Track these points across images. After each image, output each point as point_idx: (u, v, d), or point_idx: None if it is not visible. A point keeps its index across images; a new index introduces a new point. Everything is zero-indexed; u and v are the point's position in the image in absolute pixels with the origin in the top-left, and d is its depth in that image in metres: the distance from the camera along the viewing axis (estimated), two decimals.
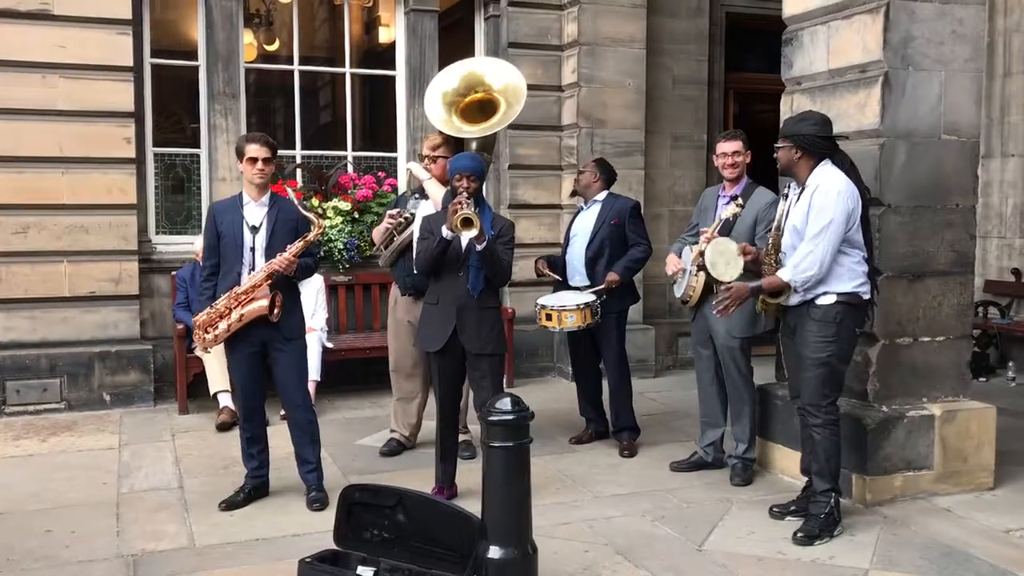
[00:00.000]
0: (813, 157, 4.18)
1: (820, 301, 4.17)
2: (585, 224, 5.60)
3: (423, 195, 5.29)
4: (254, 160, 4.40)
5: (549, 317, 5.21)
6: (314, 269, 4.67)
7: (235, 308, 4.37)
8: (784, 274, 4.15)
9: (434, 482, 4.60)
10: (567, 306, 5.17)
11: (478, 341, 4.48)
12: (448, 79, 5.37)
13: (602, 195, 5.64)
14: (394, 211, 5.38)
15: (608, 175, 5.71)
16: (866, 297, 4.23)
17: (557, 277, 5.68)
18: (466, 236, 4.31)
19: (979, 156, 5.04)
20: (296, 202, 4.56)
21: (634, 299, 5.77)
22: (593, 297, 5.24)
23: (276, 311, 4.35)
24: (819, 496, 4.21)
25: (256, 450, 4.62)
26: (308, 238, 4.44)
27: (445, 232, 4.34)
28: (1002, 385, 7.49)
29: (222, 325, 4.39)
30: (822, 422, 4.21)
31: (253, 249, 4.42)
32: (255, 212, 4.46)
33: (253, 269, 4.42)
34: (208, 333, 4.43)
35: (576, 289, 5.46)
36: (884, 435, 4.60)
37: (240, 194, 4.53)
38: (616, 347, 5.55)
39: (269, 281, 4.36)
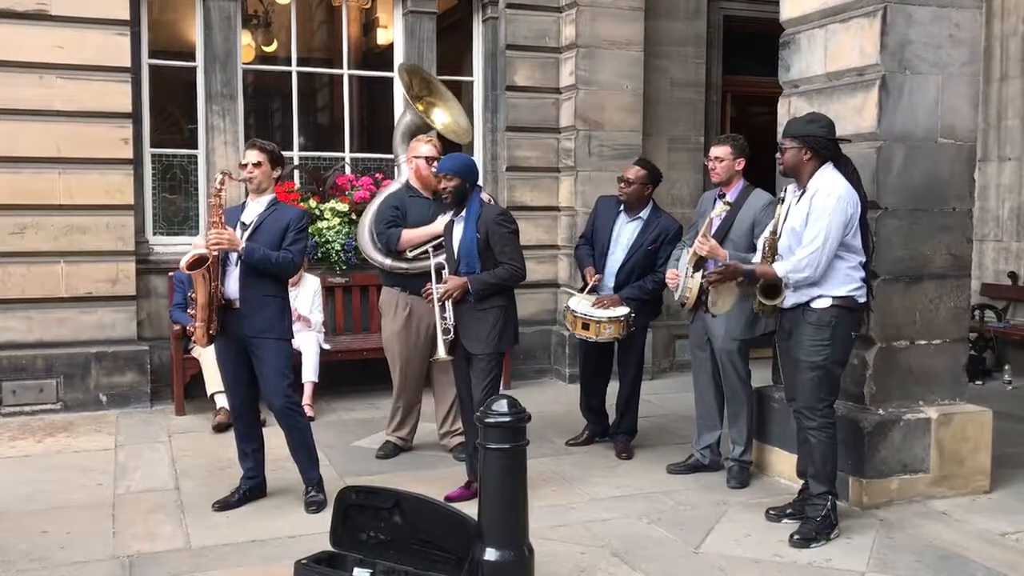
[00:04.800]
0: (819, 159, 4.18)
1: (815, 304, 4.17)
2: (625, 240, 5.39)
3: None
4: (243, 165, 4.54)
5: (587, 327, 5.12)
6: (273, 263, 4.39)
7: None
8: (780, 268, 4.16)
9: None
10: (604, 318, 5.10)
11: (475, 343, 4.54)
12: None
13: (646, 211, 5.41)
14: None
15: (656, 181, 5.44)
16: (861, 301, 4.23)
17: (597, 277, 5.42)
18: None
19: (976, 160, 5.04)
20: (300, 214, 4.58)
21: (656, 313, 5.66)
22: (628, 310, 5.20)
23: (205, 269, 4.30)
24: (815, 499, 4.22)
25: (250, 449, 4.63)
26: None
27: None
28: (998, 388, 7.50)
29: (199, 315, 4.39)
30: (818, 425, 4.21)
31: None
32: (251, 212, 4.56)
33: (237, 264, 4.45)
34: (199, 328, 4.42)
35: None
36: (881, 438, 4.60)
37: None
38: (640, 356, 5.57)
39: (214, 254, 4.35)
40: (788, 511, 4.38)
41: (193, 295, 4.37)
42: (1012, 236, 8.29)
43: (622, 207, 5.45)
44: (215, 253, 4.35)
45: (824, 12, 4.94)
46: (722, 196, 4.86)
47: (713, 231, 4.76)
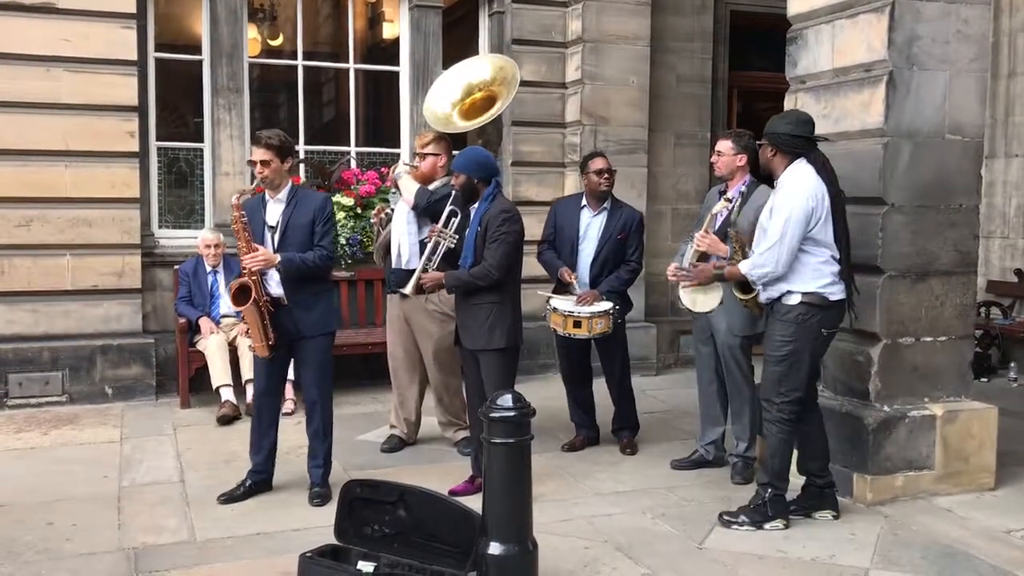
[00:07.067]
0: (787, 156, 4.20)
1: (785, 301, 4.20)
2: (594, 232, 5.43)
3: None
4: (252, 162, 4.48)
5: (578, 324, 5.11)
6: (311, 266, 4.40)
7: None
8: (744, 266, 4.22)
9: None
10: (593, 313, 5.10)
11: (469, 338, 4.55)
12: (451, 91, 5.53)
13: (608, 203, 5.47)
14: (377, 207, 5.63)
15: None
16: (833, 298, 4.19)
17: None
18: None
19: (983, 156, 5.02)
20: (323, 201, 4.50)
21: (630, 307, 5.63)
22: (612, 304, 5.21)
23: (252, 300, 4.30)
24: (760, 486, 4.28)
25: (265, 443, 4.62)
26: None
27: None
28: (1004, 386, 7.48)
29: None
30: (772, 418, 4.24)
31: (275, 250, 4.40)
32: (273, 210, 4.49)
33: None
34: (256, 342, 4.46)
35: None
36: (885, 435, 4.59)
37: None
38: (624, 349, 5.56)
39: (253, 278, 4.35)
40: (792, 507, 4.38)
41: (244, 320, 4.37)
42: (1019, 233, 8.26)
43: (584, 203, 5.50)
44: (255, 278, 4.33)
45: (831, 7, 4.92)
46: (722, 193, 4.86)
47: (716, 227, 4.77)
